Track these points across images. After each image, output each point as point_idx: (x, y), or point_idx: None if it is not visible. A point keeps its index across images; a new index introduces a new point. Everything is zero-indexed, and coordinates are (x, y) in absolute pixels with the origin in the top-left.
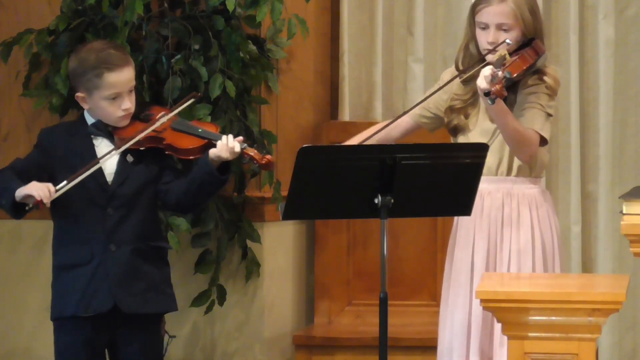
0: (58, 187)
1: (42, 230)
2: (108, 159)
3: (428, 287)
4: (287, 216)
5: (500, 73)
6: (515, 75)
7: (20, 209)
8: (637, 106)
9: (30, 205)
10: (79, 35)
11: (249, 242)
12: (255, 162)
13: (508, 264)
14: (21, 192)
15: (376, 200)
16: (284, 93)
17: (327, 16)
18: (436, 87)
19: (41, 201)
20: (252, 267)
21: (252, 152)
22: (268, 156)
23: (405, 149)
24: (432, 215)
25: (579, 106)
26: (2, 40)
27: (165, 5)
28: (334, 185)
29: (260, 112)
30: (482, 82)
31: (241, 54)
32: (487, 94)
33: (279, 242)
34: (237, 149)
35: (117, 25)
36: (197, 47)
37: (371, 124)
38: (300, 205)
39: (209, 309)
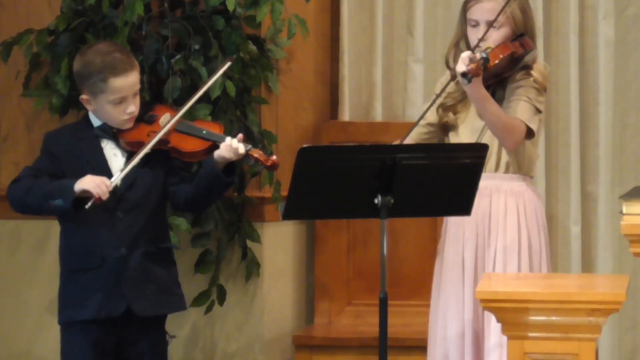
0: (112, 179)
1: (42, 230)
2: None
3: (428, 287)
4: (287, 216)
5: (477, 54)
6: (495, 61)
7: (79, 206)
8: (637, 107)
9: (90, 204)
10: (79, 35)
11: (249, 242)
12: (260, 163)
13: (494, 261)
14: (78, 187)
15: (376, 200)
16: (284, 93)
17: (327, 16)
18: (430, 102)
19: (100, 198)
20: (252, 267)
21: (257, 153)
22: (274, 157)
23: (405, 149)
24: (432, 215)
25: (579, 106)
26: (2, 40)
27: (165, 5)
28: (334, 185)
29: (260, 112)
30: (460, 66)
31: (241, 54)
32: (463, 74)
33: (279, 242)
34: (242, 150)
35: (117, 25)
36: (197, 47)
37: (371, 124)
38: (300, 205)
39: (209, 309)
